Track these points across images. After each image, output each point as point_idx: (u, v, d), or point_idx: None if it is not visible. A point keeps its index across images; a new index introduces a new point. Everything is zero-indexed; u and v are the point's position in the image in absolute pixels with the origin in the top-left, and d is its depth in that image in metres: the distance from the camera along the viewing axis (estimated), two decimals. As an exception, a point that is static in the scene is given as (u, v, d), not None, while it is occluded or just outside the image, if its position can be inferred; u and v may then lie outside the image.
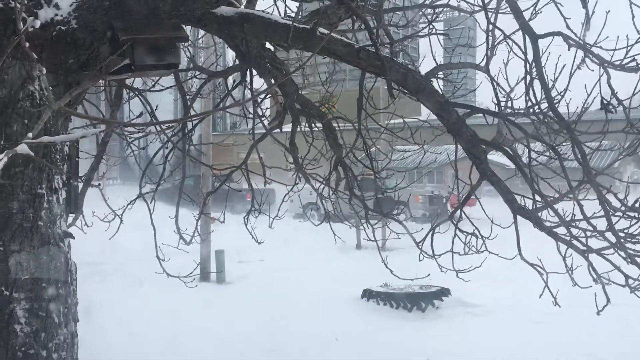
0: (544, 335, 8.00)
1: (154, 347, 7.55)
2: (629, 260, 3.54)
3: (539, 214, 3.78)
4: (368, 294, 10.15)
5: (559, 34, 3.65)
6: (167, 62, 3.18)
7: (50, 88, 2.55)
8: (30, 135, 2.07)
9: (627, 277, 3.60)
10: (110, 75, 3.22)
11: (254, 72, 4.32)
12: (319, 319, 8.81)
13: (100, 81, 3.98)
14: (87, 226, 4.73)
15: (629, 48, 3.47)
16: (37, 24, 2.11)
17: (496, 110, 4.05)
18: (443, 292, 9.77)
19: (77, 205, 4.01)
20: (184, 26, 3.68)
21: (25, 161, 2.92)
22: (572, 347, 7.58)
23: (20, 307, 2.94)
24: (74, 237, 3.37)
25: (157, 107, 4.72)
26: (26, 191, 2.95)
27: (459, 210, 4.26)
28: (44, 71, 2.32)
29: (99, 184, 4.79)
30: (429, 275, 4.74)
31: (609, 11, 3.51)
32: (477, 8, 4.51)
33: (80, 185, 4.21)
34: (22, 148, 1.98)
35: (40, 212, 3.00)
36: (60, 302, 3.10)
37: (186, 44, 4.89)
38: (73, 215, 4.17)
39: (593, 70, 3.64)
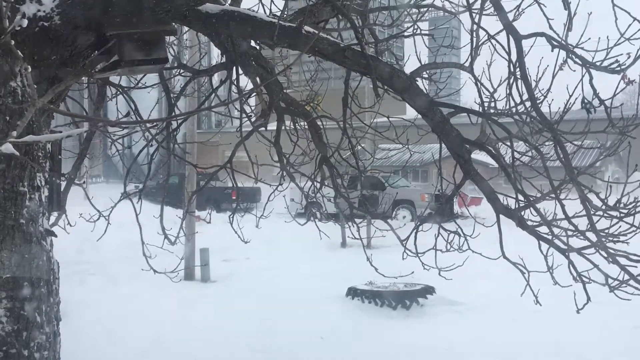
0: (528, 333, 8.07)
1: (138, 347, 7.49)
2: (610, 259, 3.59)
3: (522, 213, 3.82)
4: (353, 292, 10.16)
5: (542, 34, 3.69)
6: (155, 57, 3.16)
7: (34, 85, 2.53)
8: (14, 133, 2.04)
9: (607, 276, 3.65)
10: (98, 73, 3.19)
11: (239, 70, 4.31)
12: (304, 318, 8.80)
13: (83, 78, 3.94)
14: (70, 225, 4.68)
15: (609, 50, 3.52)
16: (25, 23, 2.07)
17: (480, 110, 4.09)
18: (428, 290, 9.81)
19: (60, 204, 3.97)
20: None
21: (8, 159, 2.89)
22: (556, 344, 7.67)
23: (1, 307, 2.91)
24: (56, 236, 3.34)
25: (155, 106, 4.69)
26: (8, 189, 2.92)
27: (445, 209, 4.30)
28: (29, 68, 2.30)
29: (83, 182, 4.75)
30: (412, 273, 4.76)
31: (590, 13, 3.56)
32: (461, 8, 4.55)
33: (63, 183, 4.17)
34: (7, 147, 1.96)
35: (22, 210, 2.97)
36: (42, 301, 3.07)
37: (169, 42, 4.86)
38: (56, 213, 4.14)
39: (575, 71, 3.69)
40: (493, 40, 3.93)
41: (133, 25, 3.08)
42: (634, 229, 3.55)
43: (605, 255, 3.59)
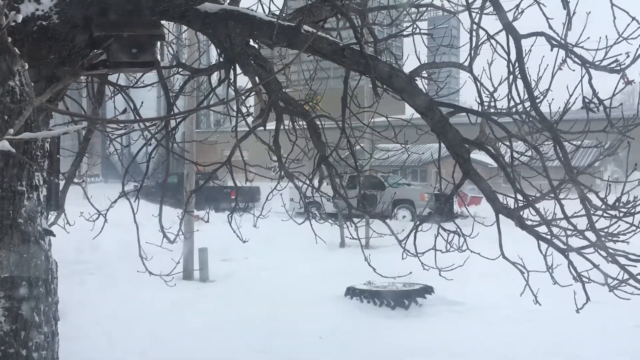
0: (527, 333, 8.08)
1: (136, 347, 7.49)
2: (609, 259, 3.58)
3: (521, 213, 3.82)
4: (351, 292, 10.16)
5: (541, 34, 3.69)
6: (142, 60, 3.14)
7: (32, 84, 2.52)
8: (11, 131, 2.04)
9: (606, 276, 3.65)
10: (87, 70, 3.18)
11: (238, 69, 4.30)
12: (303, 317, 8.80)
13: (82, 77, 3.93)
14: (69, 224, 4.67)
15: (608, 49, 3.52)
16: (19, 18, 2.07)
17: (479, 109, 4.09)
18: (426, 290, 9.81)
19: (59, 203, 3.97)
20: (167, 23, 3.66)
21: (5, 158, 2.88)
22: (554, 344, 7.67)
23: (-1, 306, 2.90)
24: (54, 235, 3.33)
25: (142, 103, 4.67)
26: (6, 188, 2.91)
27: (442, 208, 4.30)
28: (26, 66, 2.29)
29: (83, 181, 4.74)
30: (410, 273, 4.75)
31: (589, 12, 3.56)
32: (460, 8, 4.54)
33: (62, 182, 4.16)
34: (4, 144, 1.95)
35: (20, 210, 2.96)
36: (40, 301, 3.07)
37: (167, 41, 4.85)
38: (54, 213, 4.13)
39: (574, 70, 3.69)
40: (492, 40, 3.93)
41: (122, 27, 3.05)
42: (633, 228, 3.55)
43: (605, 255, 3.59)
